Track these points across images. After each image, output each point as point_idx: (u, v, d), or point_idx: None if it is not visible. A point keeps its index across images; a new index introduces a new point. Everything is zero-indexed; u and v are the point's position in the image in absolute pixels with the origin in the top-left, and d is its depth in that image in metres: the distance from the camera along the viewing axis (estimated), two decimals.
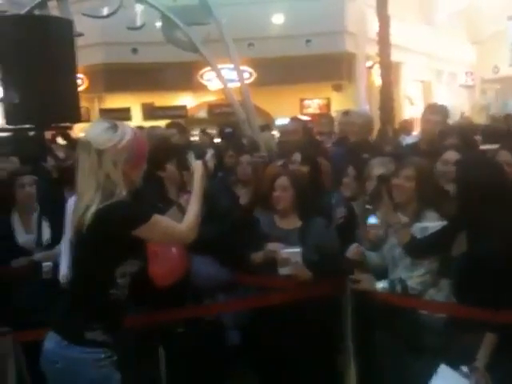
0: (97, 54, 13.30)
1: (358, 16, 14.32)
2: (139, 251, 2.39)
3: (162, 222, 2.35)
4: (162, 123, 8.02)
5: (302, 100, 15.62)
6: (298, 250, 3.20)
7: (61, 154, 5.13)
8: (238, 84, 8.94)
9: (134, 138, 2.29)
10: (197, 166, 2.58)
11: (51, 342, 2.25)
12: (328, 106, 15.42)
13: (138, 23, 8.43)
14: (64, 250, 3.53)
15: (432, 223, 2.95)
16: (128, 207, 2.24)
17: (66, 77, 4.86)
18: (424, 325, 2.88)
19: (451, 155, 3.36)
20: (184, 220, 2.41)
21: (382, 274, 3.15)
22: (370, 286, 3.09)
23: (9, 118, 4.90)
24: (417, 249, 2.96)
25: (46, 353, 2.26)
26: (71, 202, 3.31)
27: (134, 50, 13.83)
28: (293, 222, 3.46)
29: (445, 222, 2.90)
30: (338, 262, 3.23)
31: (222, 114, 13.29)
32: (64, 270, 3.46)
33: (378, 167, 3.42)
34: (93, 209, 2.19)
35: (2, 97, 4.84)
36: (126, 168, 2.26)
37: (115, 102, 15.19)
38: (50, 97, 4.64)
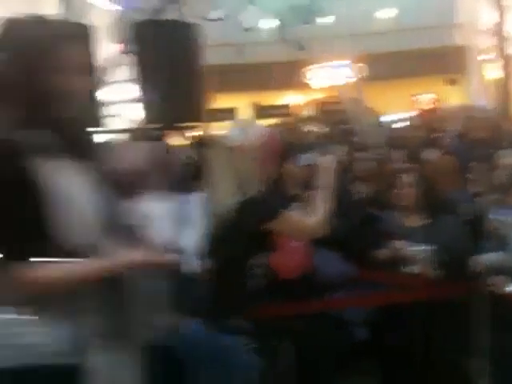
0: (208, 55, 13.66)
1: (470, 8, 13.70)
2: (270, 244, 2.46)
3: (293, 216, 2.41)
4: (269, 122, 8.13)
5: (412, 95, 15.16)
6: (425, 247, 3.14)
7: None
8: (347, 80, 8.88)
9: (268, 136, 2.37)
10: (325, 161, 2.59)
11: (192, 329, 2.35)
12: (440, 100, 14.84)
13: (250, 24, 8.62)
14: (191, 242, 3.67)
15: None
16: (261, 203, 2.31)
17: (195, 78, 5.10)
18: None
19: None
20: (313, 215, 2.44)
21: None
22: (504, 289, 2.96)
23: (147, 118, 5.16)
24: None
25: (189, 339, 2.35)
26: (195, 198, 3.45)
27: (243, 51, 14.09)
28: (417, 220, 3.40)
29: None
30: (469, 262, 3.12)
31: (330, 112, 13.22)
32: (193, 261, 3.60)
33: (510, 157, 3.25)
34: (228, 205, 2.28)
35: (142, 96, 5.06)
36: (259, 165, 2.33)
37: (225, 101, 15.53)
38: (182, 97, 4.86)
